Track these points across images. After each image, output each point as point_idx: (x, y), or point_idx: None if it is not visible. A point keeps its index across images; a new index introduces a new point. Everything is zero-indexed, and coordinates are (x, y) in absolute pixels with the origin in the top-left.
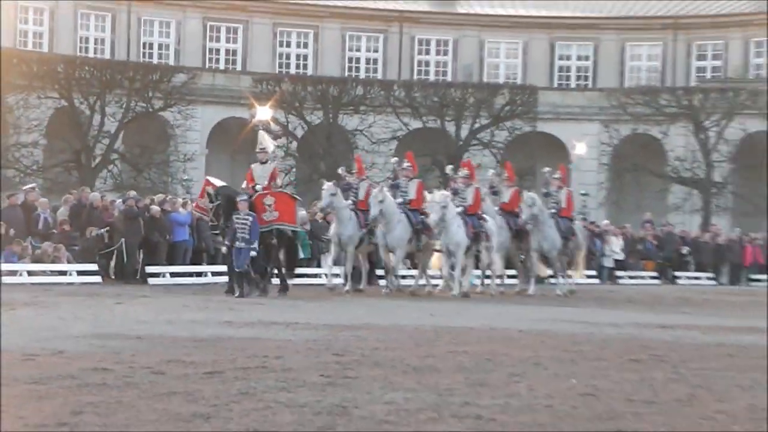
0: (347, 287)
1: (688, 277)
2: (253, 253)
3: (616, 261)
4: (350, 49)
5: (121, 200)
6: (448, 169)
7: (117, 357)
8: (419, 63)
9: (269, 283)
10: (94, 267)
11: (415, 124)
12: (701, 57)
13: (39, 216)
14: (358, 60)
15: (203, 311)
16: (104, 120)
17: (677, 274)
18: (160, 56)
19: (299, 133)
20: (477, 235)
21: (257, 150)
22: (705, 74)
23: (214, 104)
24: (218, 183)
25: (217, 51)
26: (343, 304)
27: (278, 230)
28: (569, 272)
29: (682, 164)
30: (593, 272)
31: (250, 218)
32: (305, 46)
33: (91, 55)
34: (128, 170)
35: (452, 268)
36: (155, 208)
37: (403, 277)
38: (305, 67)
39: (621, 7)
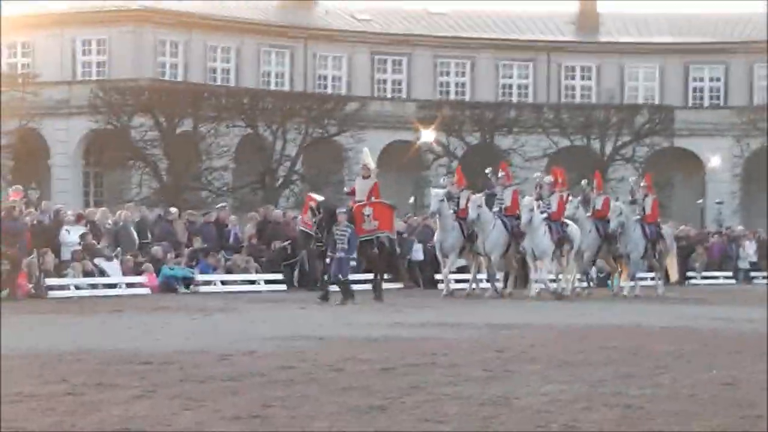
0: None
1: None
2: (352, 263)
3: (751, 263)
4: (503, 77)
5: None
6: (536, 175)
7: (301, 356)
8: (566, 87)
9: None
10: (279, 276)
11: (563, 143)
12: None
13: (229, 232)
14: (510, 86)
15: (376, 314)
16: (285, 145)
17: None
18: (333, 87)
19: (459, 153)
20: (560, 240)
21: (361, 166)
22: None
23: (382, 129)
24: (320, 198)
25: (384, 81)
26: (502, 306)
27: (379, 239)
28: (660, 274)
29: None
30: (730, 273)
31: (349, 230)
32: (463, 74)
33: (272, 87)
34: (308, 189)
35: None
36: None
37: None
38: (463, 93)
39: (749, 32)
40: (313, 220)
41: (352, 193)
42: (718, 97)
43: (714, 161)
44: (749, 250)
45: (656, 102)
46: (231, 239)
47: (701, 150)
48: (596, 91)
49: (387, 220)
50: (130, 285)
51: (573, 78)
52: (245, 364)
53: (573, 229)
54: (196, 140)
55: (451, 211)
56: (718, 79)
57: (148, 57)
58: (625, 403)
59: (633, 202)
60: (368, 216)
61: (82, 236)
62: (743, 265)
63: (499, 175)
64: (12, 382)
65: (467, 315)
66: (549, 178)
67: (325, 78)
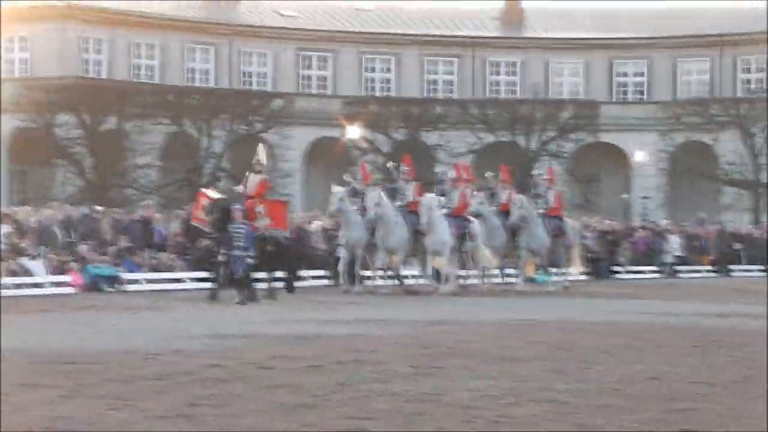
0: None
1: (741, 270)
2: (249, 261)
3: (676, 257)
4: (429, 73)
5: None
6: (440, 170)
7: (228, 354)
8: (491, 83)
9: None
10: (206, 274)
11: (489, 138)
12: (746, 70)
13: (155, 230)
14: (436, 82)
15: (304, 311)
16: (211, 142)
17: (731, 267)
18: (258, 84)
19: (385, 149)
20: (462, 236)
21: (254, 161)
22: (750, 86)
23: (308, 125)
24: (213, 195)
25: (310, 78)
26: (428, 302)
27: (273, 237)
28: (566, 269)
29: (732, 168)
30: (656, 267)
31: (245, 227)
32: (388, 71)
33: (197, 84)
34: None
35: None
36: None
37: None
38: (389, 89)
39: (672, 27)
40: (207, 219)
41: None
42: (642, 92)
43: (639, 156)
44: (674, 244)
45: (581, 97)
46: (157, 237)
47: (626, 145)
48: (521, 86)
49: (280, 218)
50: (55, 284)
51: (498, 74)
52: (172, 363)
53: (475, 225)
54: (121, 138)
55: (355, 208)
56: (642, 74)
57: (71, 54)
58: (551, 398)
59: (536, 195)
60: (260, 213)
61: (7, 235)
62: (669, 259)
63: (402, 169)
64: None
65: (395, 312)
66: (451, 173)
67: (251, 75)
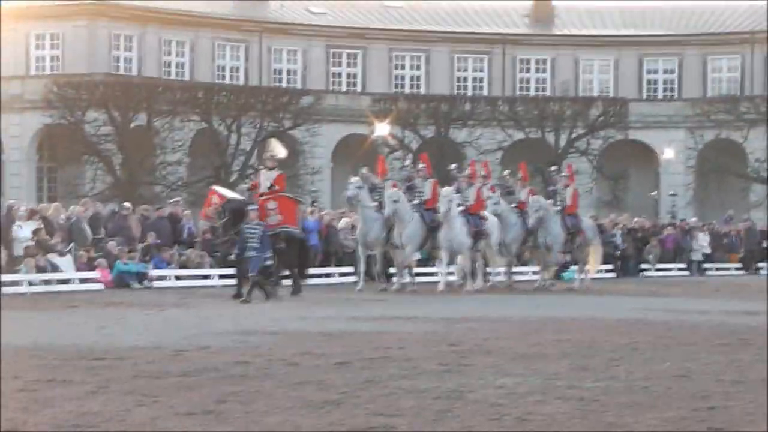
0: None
1: None
2: (268, 262)
3: (704, 254)
4: (458, 70)
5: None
6: (452, 166)
7: (256, 351)
8: (521, 80)
9: (279, 286)
10: (233, 271)
11: (518, 135)
12: None
13: (184, 226)
14: (465, 79)
15: (332, 308)
16: (240, 139)
17: (760, 265)
18: (288, 81)
19: (414, 146)
20: (477, 234)
21: (266, 156)
22: None
23: (337, 122)
24: (226, 194)
25: (339, 75)
26: (457, 299)
27: (286, 233)
28: (586, 267)
29: (761, 165)
30: (683, 265)
31: (260, 228)
32: (418, 68)
33: (227, 81)
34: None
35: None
36: None
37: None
38: (418, 86)
39: (702, 25)
40: (219, 222)
41: (255, 187)
42: (672, 89)
43: (668, 153)
44: (702, 242)
45: (611, 94)
46: (185, 234)
47: (655, 142)
48: (551, 83)
49: (291, 215)
50: (83, 281)
51: (528, 71)
52: (199, 359)
53: (491, 222)
54: (150, 135)
55: (373, 204)
56: (672, 72)
57: (102, 51)
58: (579, 395)
59: (553, 192)
60: (272, 210)
61: (35, 232)
62: (696, 257)
63: (419, 167)
64: None
65: (423, 309)
66: (466, 171)
67: (280, 72)
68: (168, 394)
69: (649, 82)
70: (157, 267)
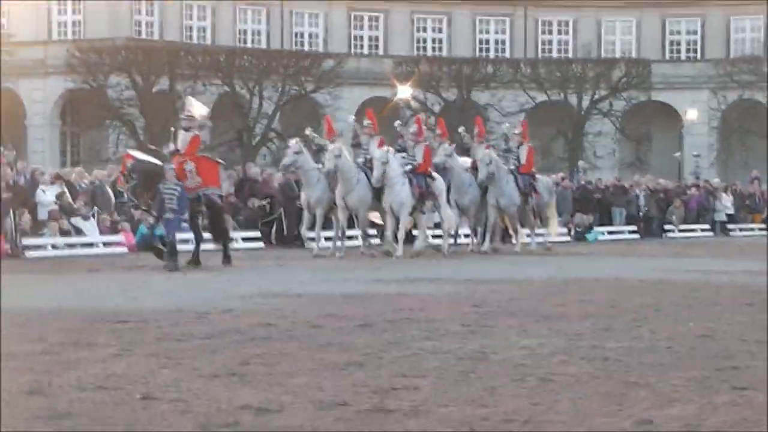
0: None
1: None
2: (184, 224)
3: (728, 215)
4: (480, 32)
5: (280, 174)
6: (396, 123)
7: (279, 313)
8: (543, 42)
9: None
10: (257, 234)
11: (541, 98)
12: None
13: None
14: (487, 41)
15: (354, 270)
16: (262, 103)
17: None
18: (310, 44)
19: (436, 109)
20: (423, 195)
21: (183, 116)
22: None
23: (359, 86)
24: (139, 156)
25: (361, 38)
26: (479, 261)
27: (206, 197)
28: (544, 230)
29: None
30: (707, 226)
31: (179, 188)
32: (440, 30)
33: (249, 45)
34: (284, 147)
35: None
36: None
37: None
38: (440, 49)
39: None
40: (127, 186)
41: (176, 151)
42: (695, 50)
43: (691, 114)
44: (726, 202)
45: (633, 56)
46: None
47: (678, 103)
48: (573, 45)
49: (212, 176)
50: (107, 244)
51: (550, 32)
52: (223, 322)
53: (439, 183)
54: (172, 99)
55: (318, 165)
56: (694, 32)
57: (124, 16)
58: (602, 356)
59: (507, 150)
60: (190, 171)
61: (59, 196)
62: (720, 217)
63: (365, 123)
64: None
65: (445, 271)
66: (413, 128)
67: (302, 35)
68: (192, 356)
69: (671, 43)
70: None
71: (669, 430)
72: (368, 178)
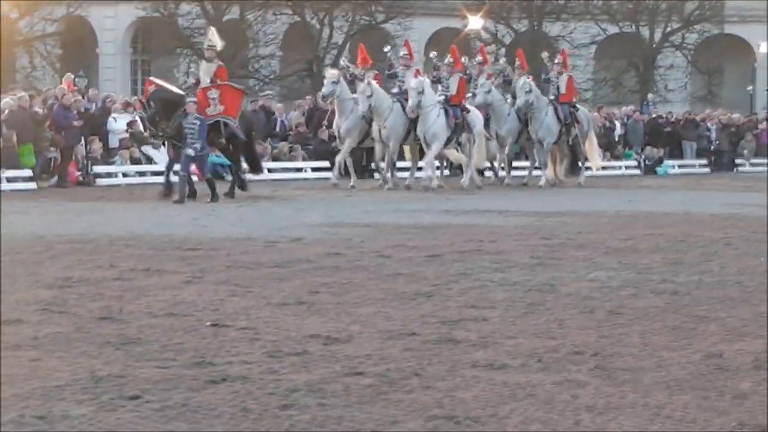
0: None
1: None
2: (190, 152)
3: None
4: None
5: None
6: (432, 54)
7: (348, 243)
8: None
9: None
10: (326, 164)
11: (612, 30)
12: None
13: (276, 120)
14: None
15: (423, 201)
16: (332, 33)
17: None
18: None
19: (507, 40)
20: (458, 126)
21: (206, 46)
22: None
23: (430, 16)
24: (161, 83)
25: None
26: (549, 193)
27: (227, 130)
28: (586, 163)
29: None
30: None
31: (198, 122)
32: None
33: None
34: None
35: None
36: None
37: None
38: None
39: None
40: (145, 114)
41: (198, 83)
42: None
43: (764, 47)
44: None
45: None
46: (278, 127)
47: (751, 36)
48: None
49: (233, 105)
50: (176, 173)
51: None
52: (292, 251)
53: (474, 115)
54: (243, 28)
55: (353, 95)
56: None
57: None
58: (672, 289)
59: (547, 80)
60: (213, 99)
61: (130, 124)
62: None
63: (402, 54)
64: (61, 268)
65: (515, 203)
66: (448, 59)
67: None
68: (261, 284)
69: None
70: None
71: (738, 364)
72: (403, 109)
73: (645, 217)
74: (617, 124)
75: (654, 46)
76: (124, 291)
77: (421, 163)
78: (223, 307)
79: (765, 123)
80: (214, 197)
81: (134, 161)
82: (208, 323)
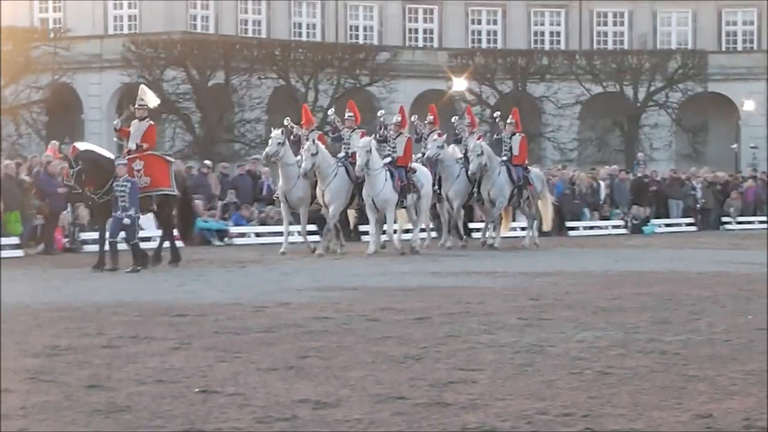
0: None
1: None
2: (127, 221)
3: None
4: (535, 24)
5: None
6: (380, 113)
7: (336, 306)
8: (598, 34)
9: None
10: (313, 228)
11: (596, 89)
12: None
13: (263, 183)
14: (542, 33)
15: (411, 263)
16: (318, 96)
17: None
18: (365, 37)
19: (491, 101)
20: (405, 188)
21: (136, 105)
22: None
23: (414, 78)
24: (83, 147)
25: (416, 30)
26: (535, 254)
27: (158, 196)
28: (535, 224)
29: None
30: (765, 217)
31: (129, 184)
32: (495, 22)
33: (304, 38)
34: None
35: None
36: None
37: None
38: (495, 41)
39: None
40: (71, 172)
41: (124, 134)
42: (751, 41)
43: (748, 105)
44: None
45: (689, 47)
46: (264, 191)
47: (735, 94)
48: (628, 36)
49: (161, 175)
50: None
51: (605, 24)
52: (280, 315)
53: (421, 174)
54: (228, 92)
55: (297, 158)
56: (751, 23)
57: (179, 10)
58: (660, 349)
59: (499, 141)
60: (138, 171)
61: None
62: None
63: (347, 116)
64: (49, 336)
65: (502, 264)
66: (396, 118)
67: (357, 28)
68: (249, 349)
69: (728, 33)
70: (237, 224)
71: (728, 424)
72: (347, 172)
73: (632, 276)
74: (602, 184)
75: (638, 105)
76: (112, 358)
77: (383, 236)
78: (212, 373)
79: (750, 180)
80: (137, 263)
81: None
82: (196, 389)
